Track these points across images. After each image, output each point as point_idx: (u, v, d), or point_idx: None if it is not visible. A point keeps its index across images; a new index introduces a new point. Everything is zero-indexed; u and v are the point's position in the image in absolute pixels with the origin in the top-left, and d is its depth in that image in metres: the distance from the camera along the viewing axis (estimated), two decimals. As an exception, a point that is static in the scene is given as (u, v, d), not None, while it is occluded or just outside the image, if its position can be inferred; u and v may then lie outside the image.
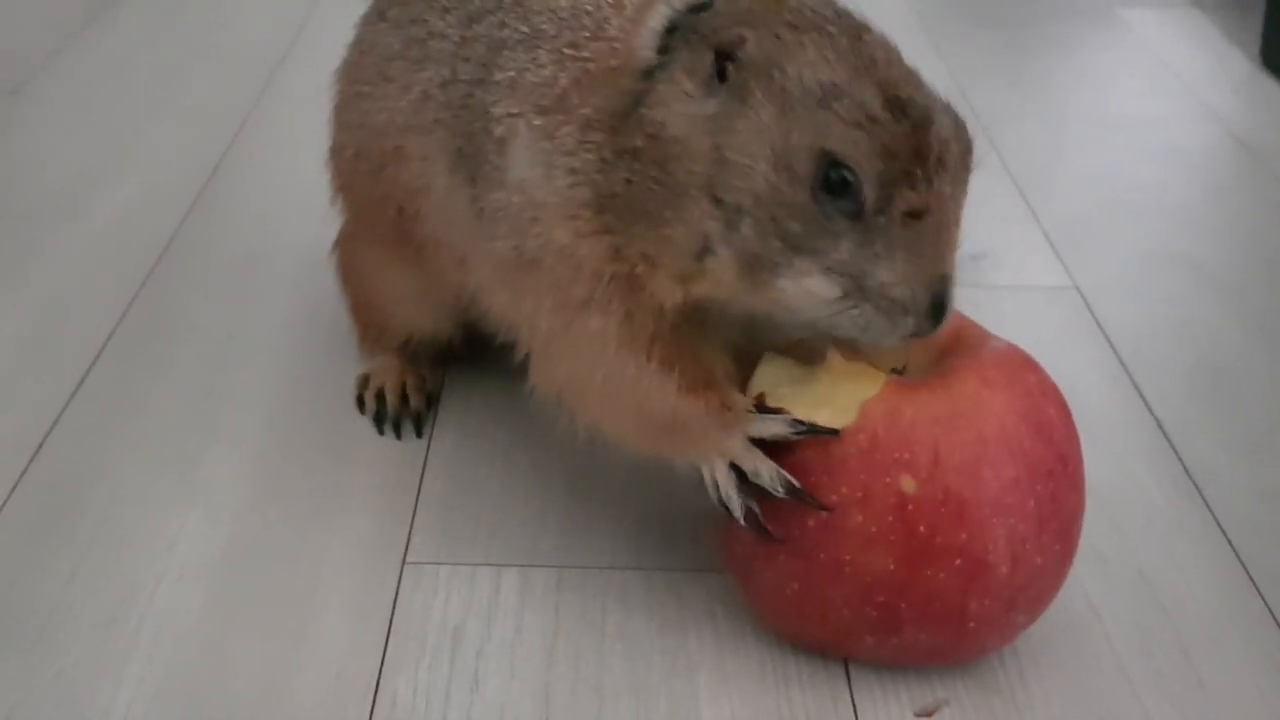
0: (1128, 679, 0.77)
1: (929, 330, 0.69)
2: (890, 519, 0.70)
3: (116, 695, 0.75)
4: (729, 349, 0.77)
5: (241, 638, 0.79)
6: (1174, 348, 1.09)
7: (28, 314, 1.11)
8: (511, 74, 0.78)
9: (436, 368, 1.02)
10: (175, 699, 0.75)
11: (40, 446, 0.95)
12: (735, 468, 0.73)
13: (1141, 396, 1.02)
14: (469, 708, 0.74)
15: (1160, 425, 0.99)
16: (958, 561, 0.70)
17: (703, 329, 0.76)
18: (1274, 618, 0.82)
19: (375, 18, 0.93)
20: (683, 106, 0.71)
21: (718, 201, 0.69)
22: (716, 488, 0.74)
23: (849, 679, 0.76)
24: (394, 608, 0.81)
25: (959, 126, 0.70)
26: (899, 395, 0.72)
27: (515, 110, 0.77)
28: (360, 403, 0.99)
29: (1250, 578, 0.85)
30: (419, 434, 0.97)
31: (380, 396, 0.99)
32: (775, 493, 0.71)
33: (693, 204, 0.70)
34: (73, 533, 0.87)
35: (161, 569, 0.84)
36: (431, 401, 1.00)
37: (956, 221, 0.69)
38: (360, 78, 0.92)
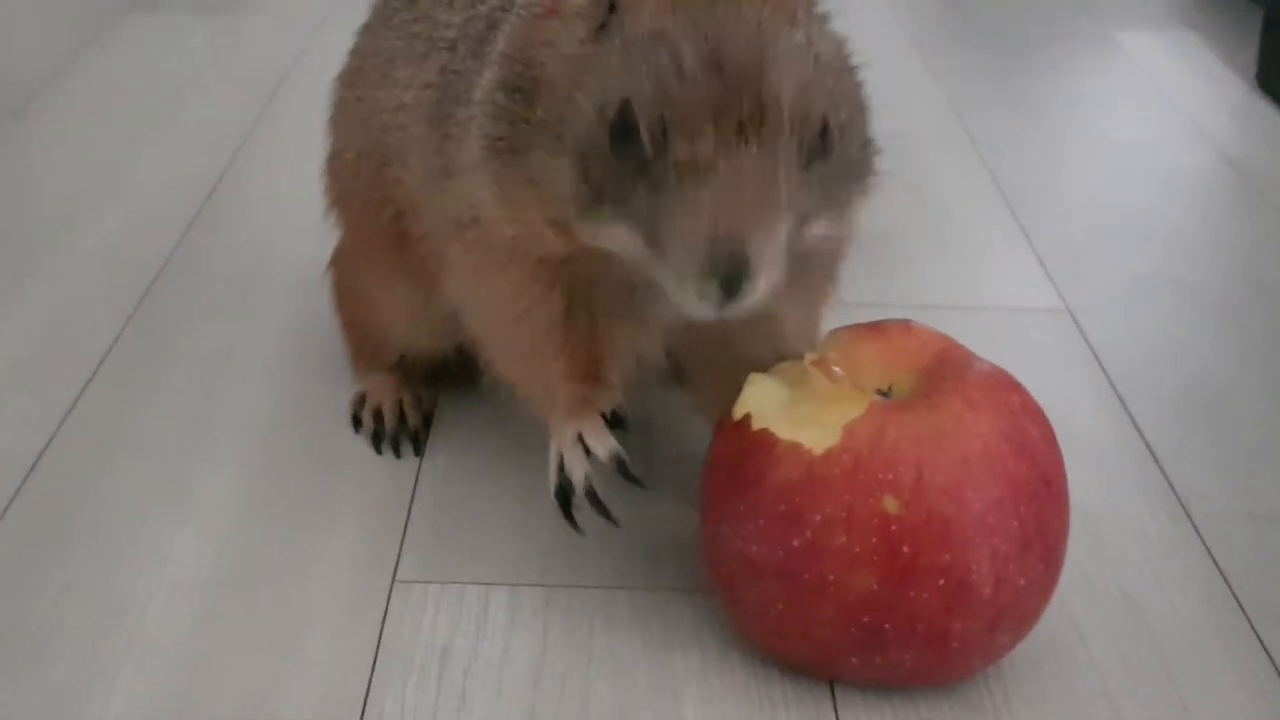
0: (1112, 702, 0.77)
1: (716, 299, 0.65)
2: (874, 539, 0.70)
3: (106, 710, 0.75)
4: (652, 346, 0.80)
5: (231, 654, 0.79)
6: (1165, 370, 1.09)
7: (23, 331, 1.12)
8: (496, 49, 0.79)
9: (431, 386, 1.02)
10: (164, 715, 0.75)
11: (34, 463, 0.95)
12: (582, 444, 0.76)
13: (1131, 419, 1.02)
14: (456, 727, 0.75)
15: (1149, 447, 0.99)
16: (941, 582, 0.70)
17: (613, 311, 0.78)
18: (1260, 642, 0.82)
19: (378, 24, 0.94)
20: (566, 48, 0.71)
21: (558, 139, 0.70)
22: (561, 462, 0.77)
23: (834, 700, 0.77)
24: (383, 626, 0.81)
25: (810, 103, 0.67)
26: (883, 416, 0.72)
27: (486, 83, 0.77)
28: (356, 421, 1.00)
29: (1237, 601, 0.85)
30: (417, 452, 0.98)
31: (377, 415, 0.99)
32: (606, 465, 0.75)
33: (546, 148, 0.71)
34: (65, 549, 0.87)
35: (152, 586, 0.84)
36: (427, 420, 1.01)
37: (769, 193, 0.66)
38: (362, 81, 0.92)
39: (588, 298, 0.78)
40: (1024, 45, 1.85)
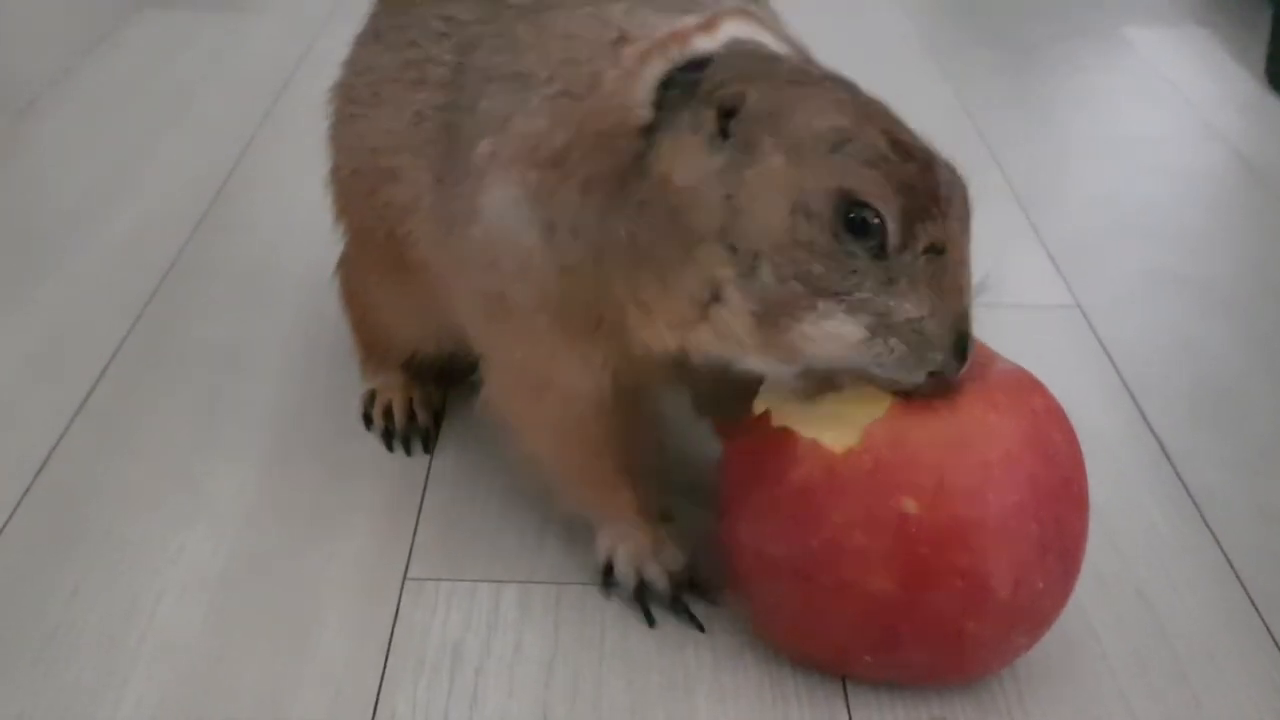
0: (1125, 699, 0.77)
1: (954, 369, 0.69)
2: (891, 541, 0.70)
3: (118, 709, 0.75)
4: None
5: (242, 653, 0.79)
6: (1176, 367, 1.09)
7: (33, 331, 1.12)
8: (500, 111, 0.78)
9: (440, 384, 1.02)
10: (176, 714, 0.75)
11: (45, 462, 0.95)
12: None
13: (1143, 416, 1.02)
14: (467, 725, 0.75)
15: (1161, 445, 0.99)
16: (960, 584, 0.70)
17: (638, 419, 0.82)
18: (1273, 639, 0.82)
19: (370, 38, 0.94)
20: (690, 160, 0.71)
21: (732, 249, 0.70)
22: (610, 565, 0.83)
23: (846, 697, 0.77)
24: (394, 624, 0.81)
25: (954, 170, 0.71)
26: (904, 418, 0.71)
27: (504, 154, 0.77)
28: (367, 419, 1.00)
29: (1250, 598, 0.85)
30: (427, 450, 0.98)
31: (388, 413, 0.99)
32: (663, 599, 0.82)
33: (705, 252, 0.71)
34: (76, 548, 0.87)
35: (164, 585, 0.84)
36: (438, 418, 1.01)
37: (970, 259, 0.70)
38: (355, 98, 0.92)
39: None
40: (1034, 43, 1.84)
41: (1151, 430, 1.01)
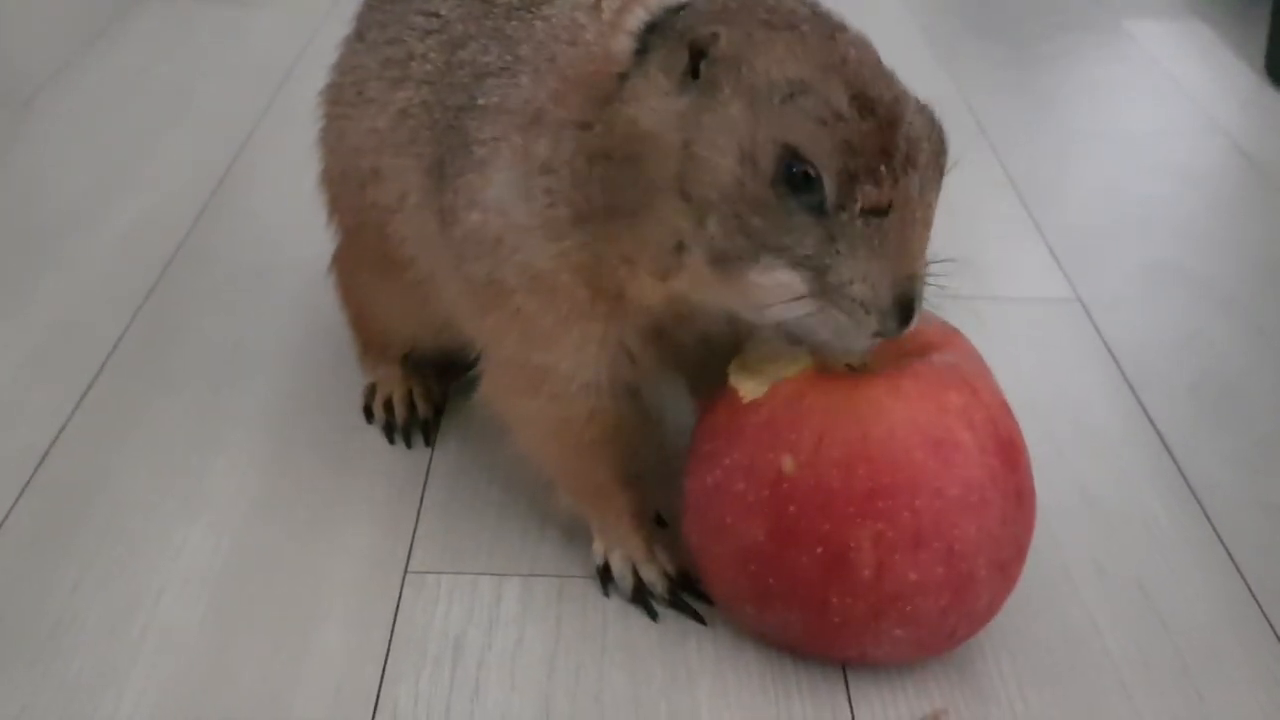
0: (1126, 692, 0.77)
1: (894, 330, 0.68)
2: (766, 493, 0.72)
3: (120, 703, 0.75)
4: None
5: (243, 647, 0.79)
6: (1177, 361, 1.09)
7: (34, 325, 1.12)
8: (495, 100, 0.78)
9: (441, 377, 1.02)
10: (178, 708, 0.75)
11: (45, 456, 0.95)
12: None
13: (1143, 409, 1.02)
14: (470, 718, 0.75)
15: (1162, 437, 0.99)
16: (819, 550, 0.71)
17: (633, 423, 0.82)
18: (1274, 631, 0.82)
19: (354, 39, 0.94)
20: (656, 102, 0.70)
21: (686, 197, 0.69)
22: (607, 565, 0.83)
23: (848, 690, 0.77)
24: (395, 617, 0.81)
25: (933, 127, 0.69)
26: (809, 382, 0.74)
27: (498, 134, 0.77)
28: (368, 413, 1.00)
29: (1251, 591, 0.85)
30: (428, 442, 0.98)
31: (389, 406, 0.99)
32: (662, 599, 0.82)
33: (664, 201, 0.70)
34: (77, 543, 0.87)
35: (165, 579, 0.84)
36: (438, 410, 1.01)
37: (925, 221, 0.69)
38: (341, 99, 0.92)
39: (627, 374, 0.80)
40: (1034, 35, 1.84)
41: (1152, 424, 1.01)
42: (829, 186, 0.66)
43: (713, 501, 0.75)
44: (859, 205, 0.66)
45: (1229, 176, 1.46)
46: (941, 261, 0.70)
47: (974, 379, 0.75)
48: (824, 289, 0.67)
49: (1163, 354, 1.10)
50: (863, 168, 0.66)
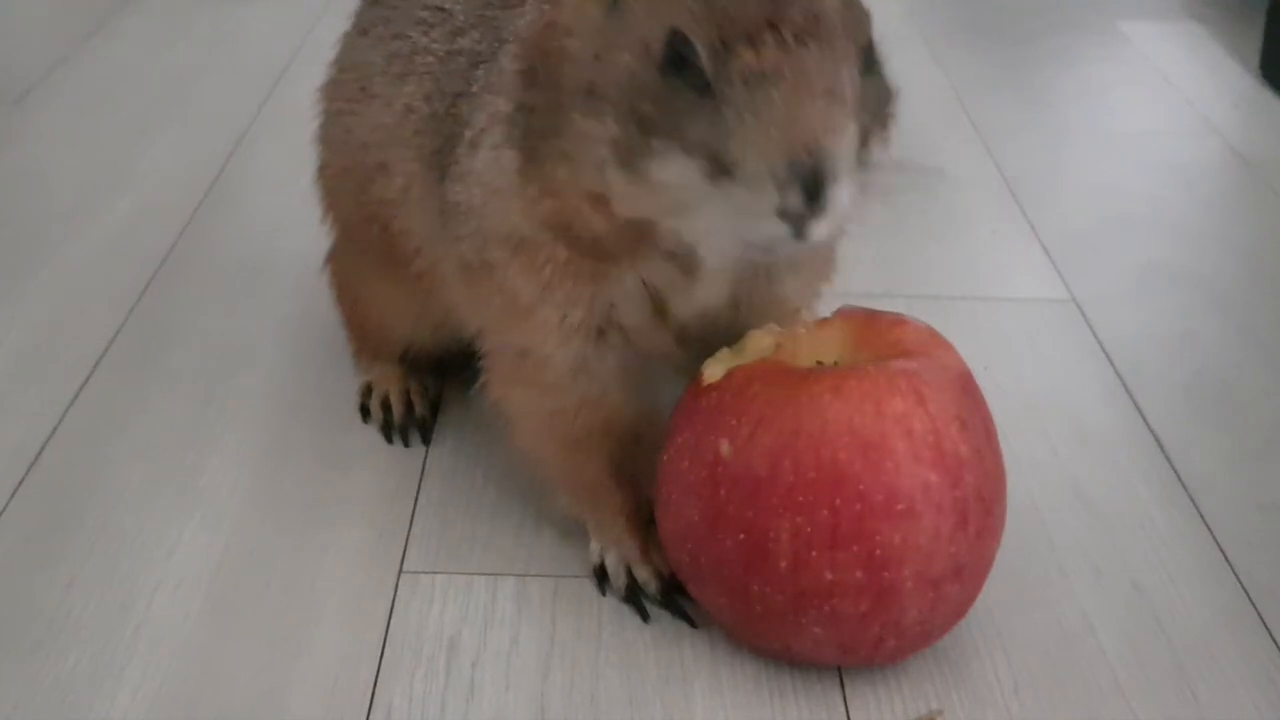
0: (1121, 691, 0.77)
1: (799, 207, 0.62)
2: (705, 474, 0.74)
3: (114, 702, 0.75)
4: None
5: (238, 646, 0.79)
6: (1171, 361, 1.09)
7: (28, 322, 1.12)
8: (483, 84, 0.80)
9: (436, 376, 1.02)
10: (172, 706, 0.75)
11: (39, 454, 0.95)
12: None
13: (1138, 409, 1.02)
14: (464, 718, 0.75)
15: (1156, 438, 0.99)
16: (741, 536, 0.72)
17: (629, 423, 0.82)
18: (1269, 631, 0.82)
19: (356, 34, 0.94)
20: (581, 26, 0.71)
21: (592, 100, 0.68)
22: (603, 564, 0.83)
23: (843, 690, 0.77)
24: (390, 617, 0.81)
25: (849, 5, 0.67)
26: (761, 371, 0.75)
27: (485, 117, 0.78)
28: (364, 412, 1.00)
29: (1245, 591, 0.85)
30: (425, 441, 0.98)
31: (385, 404, 0.99)
32: (654, 599, 0.82)
33: (577, 110, 0.69)
34: (71, 540, 0.87)
35: (159, 577, 0.84)
36: (434, 409, 1.01)
37: (835, 95, 0.64)
38: (342, 95, 0.92)
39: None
40: (1029, 35, 1.84)
41: (1147, 423, 1.01)
42: (704, 57, 0.64)
43: (664, 477, 0.77)
44: (735, 73, 0.63)
45: (1224, 177, 1.46)
46: (917, 166, 0.67)
47: (926, 388, 0.73)
48: (719, 171, 0.63)
49: (1157, 354, 1.10)
50: (738, 34, 0.64)
